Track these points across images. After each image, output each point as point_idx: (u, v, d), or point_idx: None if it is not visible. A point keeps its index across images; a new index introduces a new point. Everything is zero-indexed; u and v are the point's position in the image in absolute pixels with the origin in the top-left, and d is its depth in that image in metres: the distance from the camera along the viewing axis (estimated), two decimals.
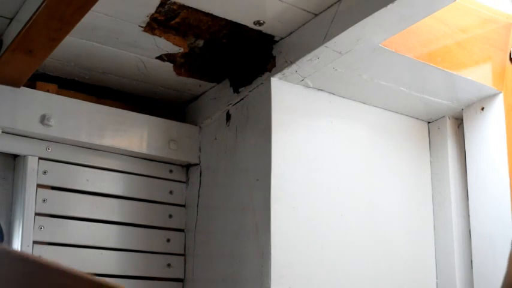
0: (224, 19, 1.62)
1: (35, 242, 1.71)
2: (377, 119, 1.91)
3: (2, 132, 1.70)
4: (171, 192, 1.99)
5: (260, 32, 1.68)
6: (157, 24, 1.64)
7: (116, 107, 1.91)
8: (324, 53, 1.60)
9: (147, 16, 1.60)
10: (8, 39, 1.55)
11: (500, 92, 1.83)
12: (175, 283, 1.95)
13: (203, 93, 2.02)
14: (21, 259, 0.80)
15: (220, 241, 1.82)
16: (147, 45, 1.73)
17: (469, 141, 1.90)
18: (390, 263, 1.83)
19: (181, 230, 1.99)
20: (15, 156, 1.78)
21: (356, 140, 1.85)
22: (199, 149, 2.00)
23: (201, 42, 1.73)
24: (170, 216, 1.97)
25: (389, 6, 1.41)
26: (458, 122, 1.97)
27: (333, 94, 1.83)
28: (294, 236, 1.66)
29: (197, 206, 1.95)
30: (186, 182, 2.02)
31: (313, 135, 1.77)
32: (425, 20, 1.52)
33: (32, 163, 1.74)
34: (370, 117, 1.90)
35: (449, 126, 1.95)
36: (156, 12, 1.58)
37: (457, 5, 1.70)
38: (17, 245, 1.70)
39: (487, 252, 1.78)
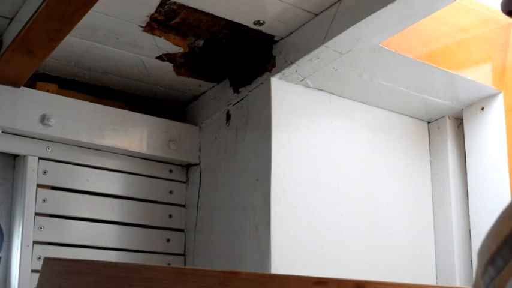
0: (224, 19, 1.62)
1: (35, 242, 1.71)
2: (377, 119, 1.91)
3: (2, 132, 1.70)
4: (171, 192, 1.99)
5: (260, 32, 1.68)
6: (157, 24, 1.64)
7: (116, 107, 1.91)
8: (324, 53, 1.60)
9: (147, 16, 1.60)
10: (8, 39, 1.55)
11: (500, 92, 1.83)
12: None
13: (203, 93, 2.02)
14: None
15: (220, 241, 1.82)
16: (147, 45, 1.73)
17: (469, 141, 1.90)
18: (390, 263, 1.83)
19: (181, 230, 1.99)
20: (15, 156, 1.78)
21: (356, 140, 1.85)
22: (199, 149, 2.00)
23: (201, 42, 1.73)
24: (170, 216, 1.97)
25: (389, 6, 1.41)
26: (458, 122, 1.97)
27: (333, 94, 1.83)
28: (294, 236, 1.66)
29: (197, 206, 1.95)
30: (186, 182, 2.02)
31: (313, 135, 1.77)
32: (425, 20, 1.52)
33: (32, 163, 1.74)
34: (370, 117, 1.90)
35: (449, 126, 1.95)
36: (156, 12, 1.58)
37: (457, 5, 1.70)
38: (17, 245, 1.71)
39: None
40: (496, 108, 1.83)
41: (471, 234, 1.86)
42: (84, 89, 1.93)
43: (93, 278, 0.78)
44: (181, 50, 1.76)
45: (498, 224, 0.50)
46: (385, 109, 1.93)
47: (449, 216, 1.88)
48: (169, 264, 1.94)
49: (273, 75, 1.71)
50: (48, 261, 1.02)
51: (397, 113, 1.95)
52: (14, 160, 1.79)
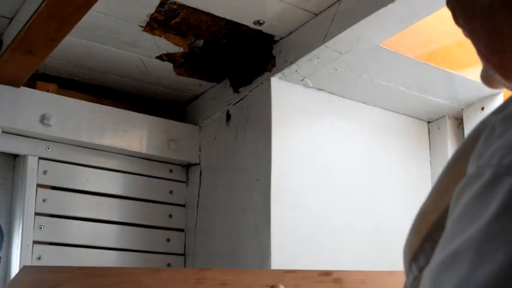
0: (224, 19, 1.62)
1: (35, 242, 1.71)
2: (377, 119, 1.91)
3: (2, 132, 1.70)
4: (171, 192, 1.99)
5: (260, 31, 1.68)
6: (157, 24, 1.64)
7: (116, 107, 1.91)
8: (323, 52, 1.60)
9: (147, 16, 1.60)
10: (8, 39, 1.55)
11: (500, 92, 1.83)
12: None
13: (203, 93, 2.02)
14: None
15: (220, 241, 1.82)
16: (147, 45, 1.73)
17: None
18: (390, 264, 1.83)
19: (181, 230, 1.99)
20: (15, 156, 1.78)
21: (356, 140, 1.85)
22: (199, 149, 2.00)
23: (201, 42, 1.73)
24: (170, 216, 1.97)
25: (389, 6, 1.41)
26: (458, 122, 1.97)
27: (333, 94, 1.83)
28: (294, 236, 1.66)
29: (197, 206, 1.95)
30: (186, 182, 2.02)
31: (313, 135, 1.77)
32: (425, 20, 1.52)
33: (32, 163, 1.74)
34: (370, 117, 1.90)
35: (449, 126, 1.95)
36: (156, 12, 1.58)
37: None
38: (17, 244, 1.71)
39: None
40: None
41: None
42: (84, 89, 1.93)
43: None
44: (181, 50, 1.76)
45: (418, 221, 0.49)
46: (385, 109, 1.93)
47: None
48: (169, 264, 1.94)
49: (273, 75, 1.71)
50: (25, 269, 0.96)
51: (397, 113, 1.95)
52: (14, 160, 1.79)
